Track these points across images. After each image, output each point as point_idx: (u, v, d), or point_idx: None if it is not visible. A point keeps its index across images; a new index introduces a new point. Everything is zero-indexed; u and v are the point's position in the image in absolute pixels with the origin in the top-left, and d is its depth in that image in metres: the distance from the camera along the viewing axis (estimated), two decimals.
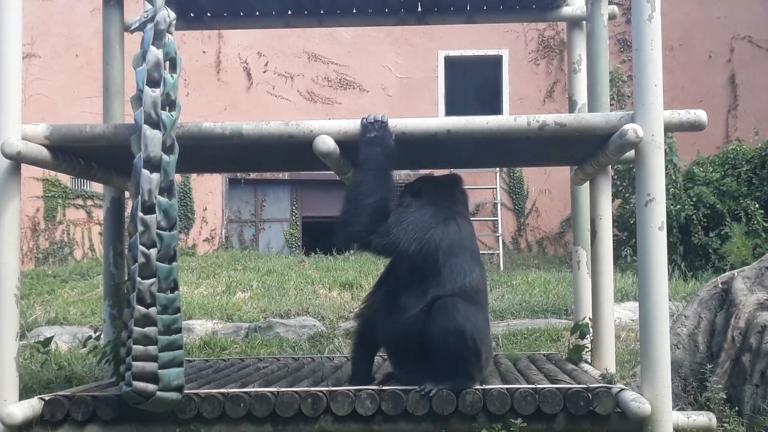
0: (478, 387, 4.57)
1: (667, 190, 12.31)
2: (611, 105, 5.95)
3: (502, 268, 16.21)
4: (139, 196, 4.32)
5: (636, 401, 4.30)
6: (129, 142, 4.46)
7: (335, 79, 18.70)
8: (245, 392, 4.60)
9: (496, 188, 17.95)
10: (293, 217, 18.63)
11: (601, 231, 5.81)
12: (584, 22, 6.23)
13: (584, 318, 6.11)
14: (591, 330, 5.94)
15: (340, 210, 4.73)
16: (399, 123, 4.71)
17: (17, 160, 4.66)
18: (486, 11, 6.61)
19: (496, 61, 18.77)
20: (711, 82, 18.39)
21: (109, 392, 4.77)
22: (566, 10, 6.46)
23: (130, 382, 4.27)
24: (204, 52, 18.31)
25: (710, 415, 4.65)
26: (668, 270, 4.75)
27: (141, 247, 4.28)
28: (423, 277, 4.67)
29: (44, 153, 4.80)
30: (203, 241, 18.14)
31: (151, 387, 4.28)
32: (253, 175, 17.93)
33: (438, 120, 4.84)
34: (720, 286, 5.92)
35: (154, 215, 4.32)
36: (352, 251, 15.10)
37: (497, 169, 17.60)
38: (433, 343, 4.53)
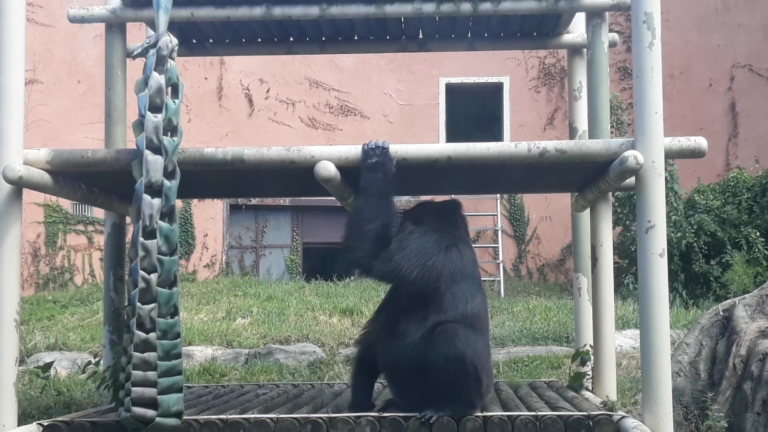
0: (478, 414, 4.56)
1: (668, 217, 12.32)
2: (610, 133, 5.95)
3: (502, 295, 16.20)
4: (140, 221, 4.32)
5: (637, 429, 4.28)
6: (130, 167, 4.46)
7: (336, 105, 18.76)
8: (244, 418, 4.58)
9: (496, 215, 17.96)
10: (294, 243, 18.64)
11: (602, 258, 5.80)
12: (585, 50, 6.25)
13: (585, 345, 6.09)
14: (592, 357, 5.92)
15: (342, 236, 4.73)
16: (400, 149, 4.71)
17: (19, 185, 4.66)
18: (487, 38, 6.63)
19: (497, 88, 18.84)
20: (711, 109, 18.44)
21: (108, 418, 4.74)
22: (567, 38, 6.48)
23: (129, 408, 4.25)
24: (206, 78, 18.38)
25: None
26: (669, 298, 4.74)
27: (141, 272, 4.28)
28: (424, 303, 4.66)
29: (46, 178, 4.80)
30: (204, 266, 18.14)
31: (150, 413, 4.26)
32: (254, 201, 17.96)
33: (439, 146, 4.84)
34: (721, 313, 5.92)
35: (155, 240, 4.32)
36: (352, 277, 15.12)
37: (498, 195, 17.62)
38: (433, 370, 4.51)
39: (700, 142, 4.64)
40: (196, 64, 17.70)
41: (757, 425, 5.18)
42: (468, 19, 6.26)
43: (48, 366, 6.61)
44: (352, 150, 4.73)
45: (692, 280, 13.86)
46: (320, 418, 4.56)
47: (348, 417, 4.57)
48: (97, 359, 6.21)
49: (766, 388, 5.20)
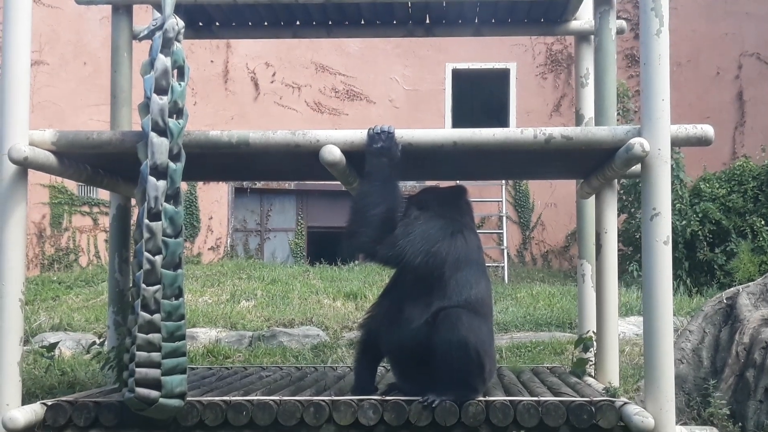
0: (481, 399, 4.57)
1: (673, 205, 12.32)
2: (617, 120, 5.94)
3: (506, 281, 16.20)
4: (146, 203, 4.33)
5: (639, 415, 4.29)
6: (136, 150, 4.47)
7: (342, 90, 18.73)
8: (248, 400, 4.60)
9: (501, 201, 17.93)
10: (298, 227, 18.64)
11: (606, 245, 5.81)
12: (592, 37, 6.23)
13: (588, 331, 6.10)
14: (595, 343, 5.93)
15: (346, 220, 4.74)
16: (406, 134, 4.71)
17: (24, 166, 4.67)
18: (494, 24, 6.62)
19: (504, 74, 18.79)
20: (718, 98, 18.38)
21: (112, 398, 4.76)
22: (574, 24, 6.47)
23: (133, 389, 4.27)
24: (212, 61, 18.35)
25: (714, 430, 4.66)
26: (673, 285, 4.74)
27: (146, 254, 4.29)
28: (428, 288, 4.67)
29: (51, 159, 4.81)
30: (208, 249, 18.15)
31: (153, 394, 4.28)
32: (259, 185, 17.96)
33: (444, 132, 4.85)
34: (725, 301, 5.92)
35: (160, 222, 4.33)
36: (356, 262, 15.13)
37: (503, 182, 17.60)
38: (436, 354, 4.52)
39: (707, 130, 4.63)
40: (203, 47, 17.66)
41: (759, 413, 5.19)
42: (475, 5, 6.25)
43: (52, 346, 6.63)
44: (358, 134, 4.73)
45: (696, 268, 13.86)
46: (323, 400, 4.58)
47: (351, 400, 4.58)
48: (101, 340, 6.23)
49: None
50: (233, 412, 4.56)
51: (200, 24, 6.58)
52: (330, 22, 6.60)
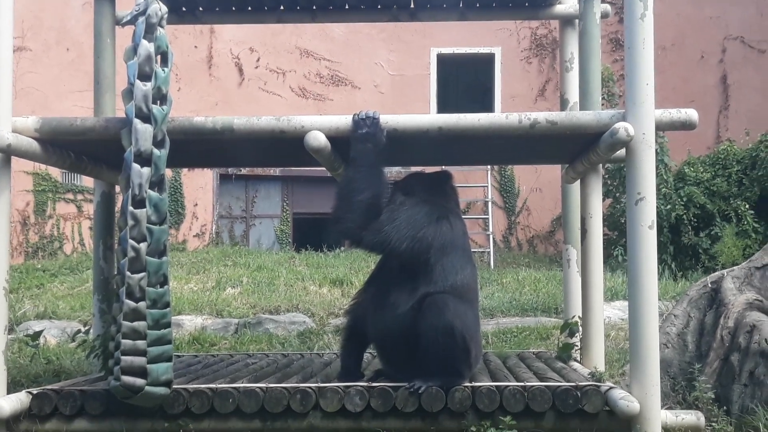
0: (467, 384, 4.58)
1: (658, 189, 12.34)
2: (601, 105, 5.94)
3: (492, 266, 16.22)
4: (130, 190, 4.31)
5: (625, 399, 4.31)
6: (120, 136, 4.45)
7: (327, 75, 18.68)
8: (234, 388, 4.60)
9: (487, 186, 17.94)
10: (284, 214, 18.62)
11: (592, 230, 5.82)
12: (577, 21, 6.23)
13: (574, 316, 6.12)
14: (580, 328, 5.95)
15: (332, 206, 4.73)
16: (391, 119, 4.70)
17: (7, 153, 4.65)
18: (479, 8, 6.61)
19: (489, 58, 18.78)
20: (703, 82, 18.42)
21: (98, 387, 4.76)
22: (559, 8, 6.46)
23: (119, 377, 4.27)
24: (196, 47, 18.27)
25: (699, 414, 4.66)
26: (658, 269, 4.75)
27: (131, 241, 4.28)
28: (414, 274, 4.67)
29: (34, 146, 4.78)
30: (193, 236, 18.11)
31: (139, 382, 4.28)
32: (244, 171, 17.92)
33: (429, 117, 4.84)
34: (709, 285, 5.94)
35: (144, 209, 4.32)
36: (342, 248, 15.11)
37: (488, 167, 17.61)
38: (422, 340, 4.53)
39: (691, 114, 4.64)
40: (186, 33, 17.60)
41: (743, 396, 5.21)
42: None
43: (37, 334, 6.60)
44: (343, 120, 4.72)
45: (681, 252, 13.90)
46: (310, 387, 4.59)
47: (337, 387, 4.59)
48: (86, 328, 6.21)
49: (753, 359, 5.23)
50: (219, 399, 4.56)
51: (184, 9, 6.54)
52: (314, 7, 6.58)
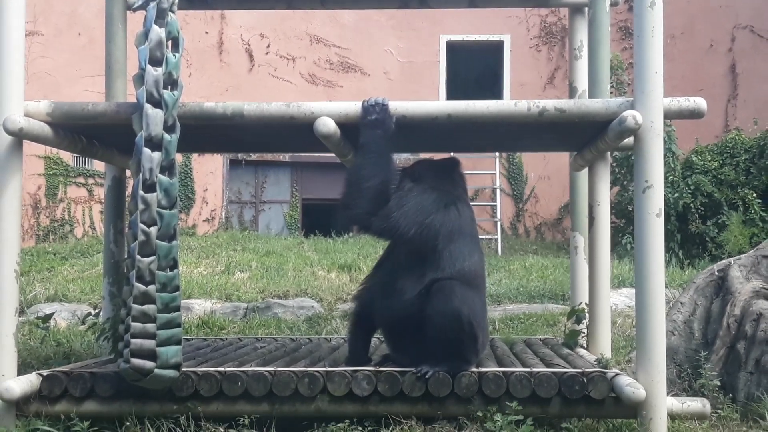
0: (474, 370, 4.60)
1: (666, 178, 12.35)
2: (610, 93, 5.94)
3: (500, 253, 16.25)
4: (140, 175, 4.33)
5: (631, 386, 4.33)
6: (131, 121, 4.47)
7: (337, 62, 18.69)
8: (242, 371, 4.63)
9: (495, 173, 17.96)
10: (293, 199, 18.65)
11: (599, 217, 5.83)
12: (586, 9, 6.22)
13: (581, 303, 6.13)
14: (587, 315, 5.96)
15: (341, 192, 4.74)
16: (400, 106, 4.71)
17: (19, 137, 4.67)
18: None
19: (498, 46, 18.77)
20: (711, 70, 18.38)
21: (107, 369, 4.79)
22: None
23: (128, 359, 4.29)
24: (206, 32, 18.29)
25: (704, 401, 4.68)
26: (665, 257, 4.76)
27: (141, 225, 4.30)
28: (422, 260, 4.69)
29: (46, 130, 4.80)
30: (203, 221, 18.17)
31: (148, 364, 4.31)
32: (253, 157, 17.96)
33: (438, 104, 4.85)
34: (716, 273, 5.95)
35: (154, 194, 4.34)
36: (351, 234, 15.16)
37: (497, 154, 17.62)
38: (430, 326, 4.55)
39: (699, 102, 4.64)
40: (197, 18, 17.61)
41: (749, 384, 5.23)
42: None
43: (48, 317, 6.64)
44: (352, 106, 4.73)
45: (688, 241, 13.91)
46: (317, 371, 4.61)
47: (345, 371, 4.61)
48: (96, 311, 6.24)
49: (760, 347, 5.24)
50: (228, 382, 4.59)
51: None
52: None
